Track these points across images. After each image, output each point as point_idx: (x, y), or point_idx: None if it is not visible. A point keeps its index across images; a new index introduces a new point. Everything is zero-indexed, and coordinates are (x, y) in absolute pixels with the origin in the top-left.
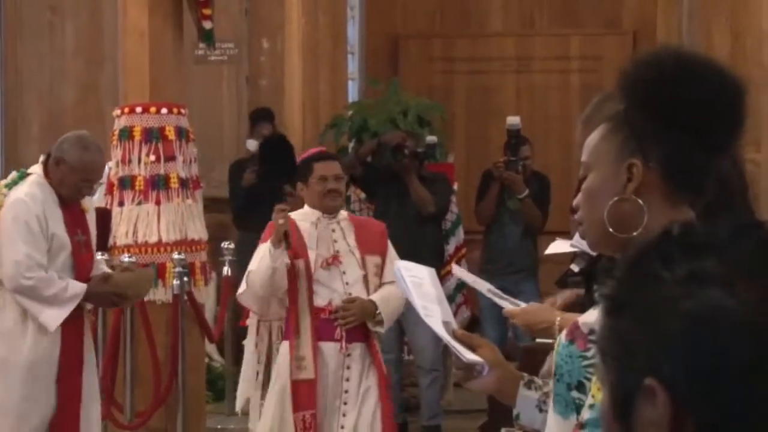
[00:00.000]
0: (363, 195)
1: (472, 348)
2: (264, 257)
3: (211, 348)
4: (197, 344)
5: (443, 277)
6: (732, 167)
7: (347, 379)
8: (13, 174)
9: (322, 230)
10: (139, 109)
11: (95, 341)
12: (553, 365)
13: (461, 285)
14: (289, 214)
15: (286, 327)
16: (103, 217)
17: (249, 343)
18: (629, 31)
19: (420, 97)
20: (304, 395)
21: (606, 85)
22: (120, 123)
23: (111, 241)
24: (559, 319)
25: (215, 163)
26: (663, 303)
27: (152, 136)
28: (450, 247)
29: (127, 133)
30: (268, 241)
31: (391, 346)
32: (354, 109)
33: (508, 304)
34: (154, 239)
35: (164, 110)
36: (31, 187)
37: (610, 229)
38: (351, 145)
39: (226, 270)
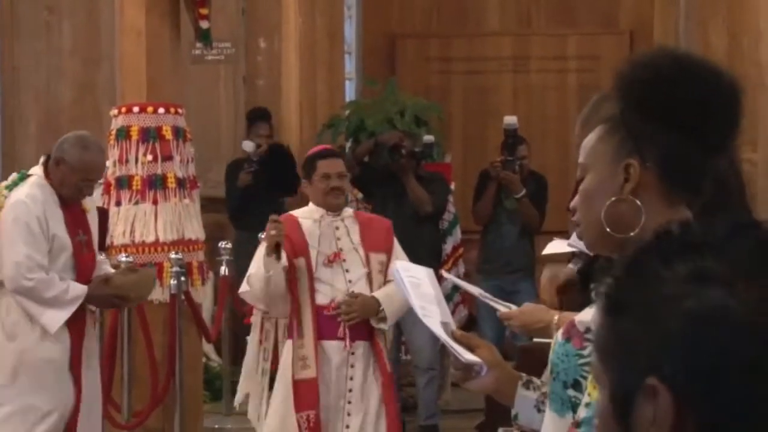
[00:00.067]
0: (360, 195)
1: (471, 348)
2: (260, 263)
3: (208, 348)
4: (194, 344)
5: (440, 276)
6: (729, 167)
7: (351, 378)
8: (14, 175)
9: (326, 228)
10: (136, 109)
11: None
12: (549, 363)
13: None
14: (293, 212)
15: (289, 326)
16: (100, 216)
17: (252, 340)
18: (626, 31)
19: (417, 97)
20: (306, 395)
21: (603, 85)
22: (117, 123)
23: (108, 241)
24: (556, 318)
25: (212, 163)
26: (664, 302)
27: (149, 135)
28: (447, 247)
29: (124, 133)
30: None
31: (389, 346)
32: (351, 108)
33: (501, 307)
34: (151, 239)
35: (161, 110)
36: (32, 188)
37: (608, 230)
38: (348, 145)
39: (224, 270)
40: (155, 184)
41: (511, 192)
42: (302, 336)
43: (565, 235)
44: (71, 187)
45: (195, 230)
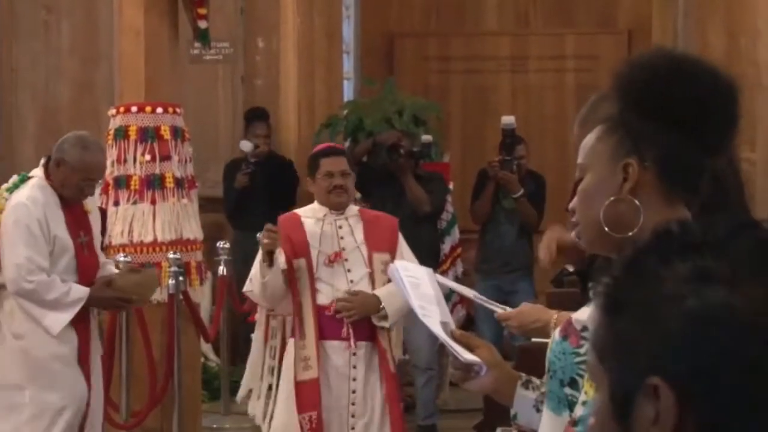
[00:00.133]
0: (358, 195)
1: (470, 348)
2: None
3: (206, 347)
4: (193, 344)
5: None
6: (728, 166)
7: (354, 379)
8: (14, 177)
9: (328, 227)
10: (134, 109)
11: None
12: (546, 362)
13: None
14: (297, 210)
15: (292, 326)
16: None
17: (256, 337)
18: (624, 31)
19: (415, 97)
20: (308, 396)
21: (601, 84)
22: (115, 122)
23: (106, 241)
24: (555, 317)
25: (211, 163)
26: (664, 302)
27: (147, 135)
28: (445, 247)
29: (122, 133)
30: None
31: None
32: (349, 108)
33: (497, 308)
34: (149, 239)
35: (159, 110)
36: (33, 190)
37: (606, 229)
38: (346, 144)
39: (222, 269)
40: (153, 183)
41: (509, 191)
42: (304, 336)
43: None
44: (73, 187)
45: (193, 230)
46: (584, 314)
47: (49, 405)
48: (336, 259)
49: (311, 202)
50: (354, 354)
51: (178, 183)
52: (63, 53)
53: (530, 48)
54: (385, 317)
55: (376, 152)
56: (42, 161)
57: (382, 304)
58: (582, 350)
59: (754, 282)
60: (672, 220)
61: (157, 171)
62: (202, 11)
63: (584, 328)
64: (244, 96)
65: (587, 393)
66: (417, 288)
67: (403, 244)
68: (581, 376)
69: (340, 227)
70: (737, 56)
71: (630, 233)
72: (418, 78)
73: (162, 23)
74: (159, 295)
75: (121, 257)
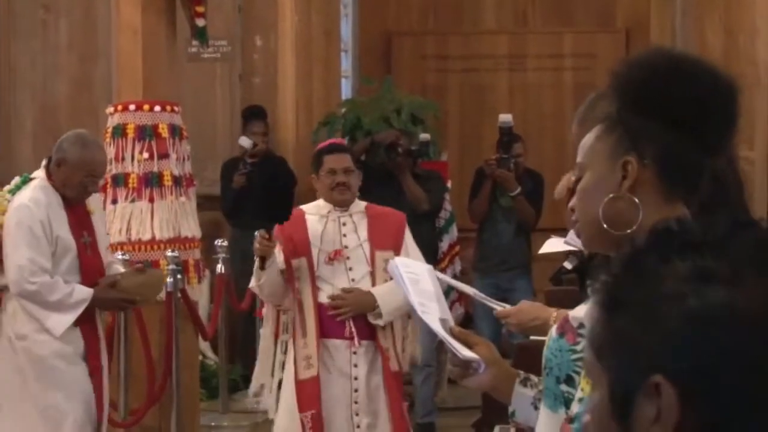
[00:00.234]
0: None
1: (469, 345)
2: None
3: (204, 346)
4: (191, 342)
5: None
6: (727, 165)
7: (356, 378)
8: (16, 179)
9: (331, 224)
10: (132, 107)
11: None
12: (543, 359)
13: None
14: (303, 206)
15: (292, 324)
16: None
17: (265, 333)
18: (622, 29)
19: (413, 95)
20: (309, 394)
21: (599, 83)
22: (113, 120)
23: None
24: (554, 314)
25: (208, 161)
26: (665, 301)
27: (145, 133)
28: (444, 245)
29: (120, 131)
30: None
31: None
32: (347, 107)
33: (497, 306)
34: (147, 237)
35: (157, 108)
36: (35, 192)
37: (605, 226)
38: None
39: (220, 267)
40: (151, 182)
41: (507, 190)
42: (305, 335)
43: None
44: (76, 185)
45: (191, 228)
46: (581, 311)
47: (54, 405)
48: (336, 257)
49: (311, 198)
50: (355, 353)
51: (176, 181)
52: (61, 51)
53: (528, 46)
54: (380, 315)
55: (374, 151)
56: (43, 163)
57: (377, 302)
58: (578, 347)
59: (755, 282)
60: (671, 219)
61: (155, 169)
62: (200, 9)
63: (581, 326)
64: (242, 94)
65: (584, 390)
66: (416, 284)
67: (409, 241)
68: (578, 374)
69: (344, 224)
70: (735, 55)
71: (629, 230)
72: (416, 77)
73: (160, 21)
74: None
75: (119, 255)
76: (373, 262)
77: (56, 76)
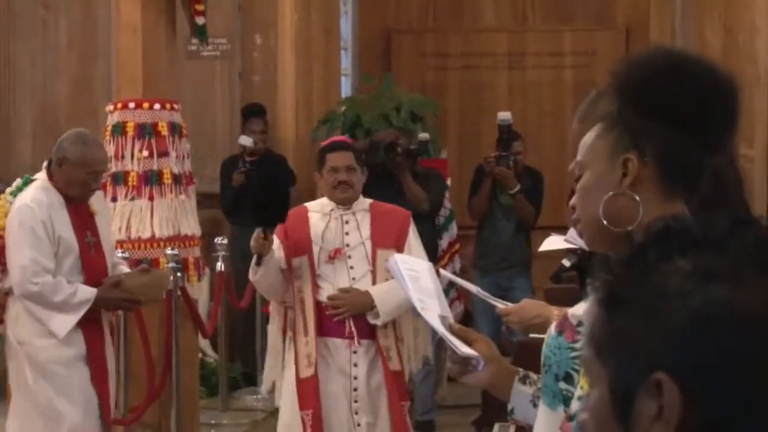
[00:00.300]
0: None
1: (468, 342)
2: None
3: (204, 343)
4: (191, 340)
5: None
6: (728, 164)
7: (355, 377)
8: (18, 181)
9: (334, 222)
10: (132, 105)
11: None
12: (542, 357)
13: None
14: (307, 204)
15: (293, 323)
16: None
17: (272, 329)
18: (622, 27)
19: (413, 93)
20: (310, 392)
21: (599, 81)
22: (113, 118)
23: None
24: (556, 313)
25: (208, 159)
26: (667, 298)
27: (145, 131)
28: (443, 243)
29: (120, 129)
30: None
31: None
32: (347, 104)
33: (499, 304)
34: (147, 235)
35: (157, 106)
36: (36, 192)
37: (605, 223)
38: None
39: (220, 265)
40: (151, 180)
41: (506, 187)
42: (307, 333)
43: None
44: (78, 183)
45: (191, 226)
46: (580, 309)
47: (53, 409)
48: (336, 255)
49: (310, 196)
50: (355, 352)
51: (176, 179)
52: (61, 50)
53: (528, 44)
54: (378, 315)
55: (373, 151)
56: (44, 164)
57: (375, 302)
58: (577, 345)
59: (755, 281)
60: (670, 217)
61: (155, 167)
62: (200, 7)
63: (580, 323)
64: (242, 92)
65: (583, 388)
66: (416, 281)
67: (413, 240)
68: (576, 371)
69: (347, 222)
70: (735, 53)
71: (629, 228)
72: (416, 74)
73: (159, 19)
74: None
75: (119, 253)
76: (374, 260)
77: (56, 75)
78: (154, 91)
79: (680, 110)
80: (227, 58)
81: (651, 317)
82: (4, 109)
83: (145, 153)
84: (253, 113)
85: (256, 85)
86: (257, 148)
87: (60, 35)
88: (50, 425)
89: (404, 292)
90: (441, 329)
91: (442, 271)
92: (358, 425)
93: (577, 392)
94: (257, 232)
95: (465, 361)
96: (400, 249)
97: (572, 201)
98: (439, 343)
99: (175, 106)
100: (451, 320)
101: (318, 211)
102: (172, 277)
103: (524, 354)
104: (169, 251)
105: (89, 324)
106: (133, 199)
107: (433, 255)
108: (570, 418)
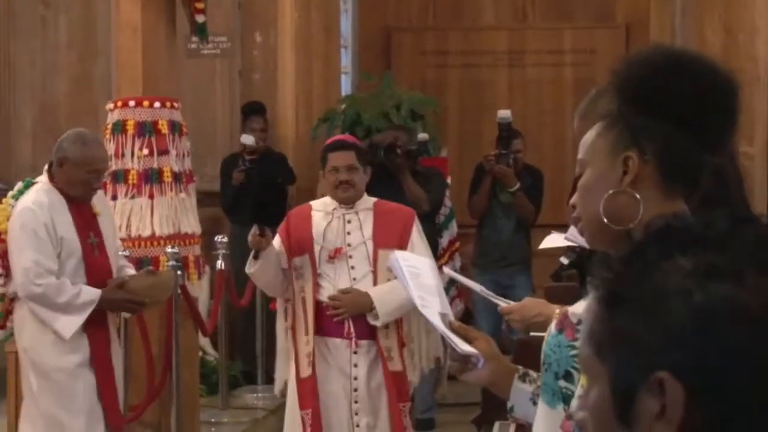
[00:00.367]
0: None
1: (468, 340)
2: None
3: (204, 342)
4: (191, 338)
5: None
6: (729, 162)
7: (356, 378)
8: (19, 184)
9: (336, 221)
10: (132, 103)
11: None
12: (542, 355)
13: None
14: (312, 202)
15: (292, 322)
16: None
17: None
18: (622, 25)
19: (413, 91)
20: (309, 392)
21: (599, 78)
22: (113, 117)
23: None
24: (557, 311)
25: (208, 157)
26: (670, 297)
27: (145, 129)
28: (443, 241)
29: (120, 127)
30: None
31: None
32: (347, 103)
33: (500, 302)
34: (147, 233)
35: (157, 104)
36: (38, 195)
37: (606, 221)
38: None
39: (220, 264)
40: (151, 178)
41: (506, 185)
42: (307, 333)
43: (562, 229)
44: (80, 183)
45: (191, 224)
46: (581, 307)
47: (55, 417)
48: (336, 255)
49: (310, 195)
50: (355, 352)
51: (176, 177)
52: (61, 49)
53: (528, 42)
54: (377, 316)
55: (372, 152)
56: (45, 167)
57: (374, 303)
58: (578, 343)
59: (757, 279)
60: (670, 215)
61: (155, 165)
62: (200, 5)
63: (580, 322)
64: (242, 90)
65: (583, 386)
66: (417, 278)
67: (416, 239)
68: (576, 370)
69: (349, 221)
70: (735, 52)
71: (630, 225)
72: (416, 72)
73: (159, 18)
74: None
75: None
76: (375, 261)
77: (56, 74)
78: (154, 89)
79: (680, 108)
80: (227, 56)
81: (652, 316)
82: (3, 108)
83: (146, 151)
84: (253, 111)
85: (256, 83)
86: (257, 147)
87: (60, 34)
88: None
89: (406, 293)
90: (441, 326)
91: (445, 269)
92: (357, 426)
93: (578, 391)
94: (253, 230)
95: (465, 359)
96: (402, 249)
97: (573, 199)
98: (440, 341)
99: (175, 105)
100: (452, 318)
101: (321, 210)
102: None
103: (524, 352)
104: (169, 249)
105: (95, 327)
106: (133, 197)
107: (434, 253)
108: (570, 416)
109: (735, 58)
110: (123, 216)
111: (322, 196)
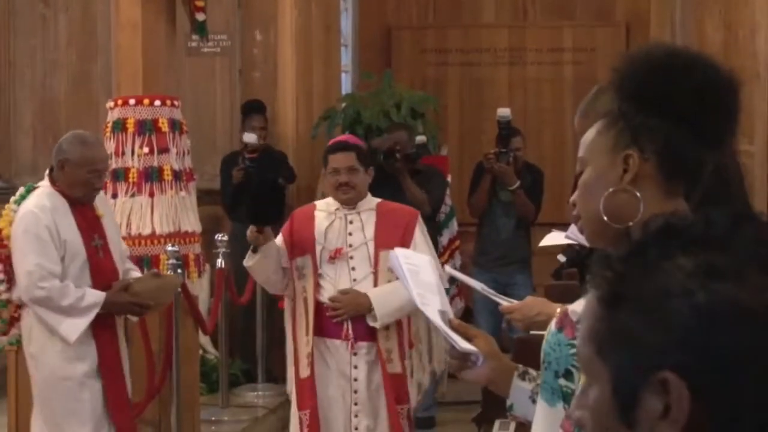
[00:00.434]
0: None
1: (468, 338)
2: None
3: (204, 340)
4: (191, 336)
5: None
6: (729, 160)
7: (355, 379)
8: (21, 189)
9: (338, 222)
10: (132, 101)
11: None
12: (542, 353)
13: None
14: (317, 202)
15: (292, 323)
16: None
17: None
18: (622, 23)
19: (413, 90)
20: (308, 393)
21: (599, 76)
22: (113, 115)
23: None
24: (559, 310)
25: (208, 156)
26: (672, 296)
27: (145, 128)
28: (444, 240)
29: (120, 125)
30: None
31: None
32: (347, 101)
33: (502, 301)
34: (147, 231)
35: (157, 102)
36: (39, 198)
37: (605, 219)
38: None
39: (220, 262)
40: (151, 176)
41: (505, 184)
42: (308, 333)
43: (563, 227)
44: (81, 184)
45: (191, 223)
46: (580, 306)
47: (60, 427)
48: (336, 255)
49: (310, 193)
50: (355, 354)
51: (176, 175)
52: (60, 47)
53: (528, 40)
54: (376, 318)
55: (372, 157)
56: (46, 172)
57: (372, 304)
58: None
59: (759, 278)
60: (668, 214)
61: (155, 164)
62: (200, 3)
63: (580, 320)
64: (242, 89)
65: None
66: (417, 276)
67: (419, 240)
68: (576, 368)
69: (351, 222)
70: (735, 49)
71: (630, 223)
72: (416, 71)
73: (159, 16)
74: None
75: None
76: (376, 262)
77: (56, 72)
78: (154, 87)
79: (680, 107)
80: (227, 55)
81: (654, 315)
82: (4, 106)
83: (146, 150)
84: (253, 109)
85: (256, 82)
86: (257, 145)
87: (60, 32)
88: None
89: (406, 294)
90: (440, 324)
91: (448, 267)
92: (356, 428)
93: (578, 389)
94: (251, 228)
95: (464, 357)
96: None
97: (573, 197)
98: None
99: (176, 103)
100: (451, 315)
101: (324, 210)
102: (171, 273)
103: (524, 350)
104: (169, 248)
105: (104, 333)
106: (133, 195)
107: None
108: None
109: (735, 55)
110: (123, 214)
111: (323, 194)
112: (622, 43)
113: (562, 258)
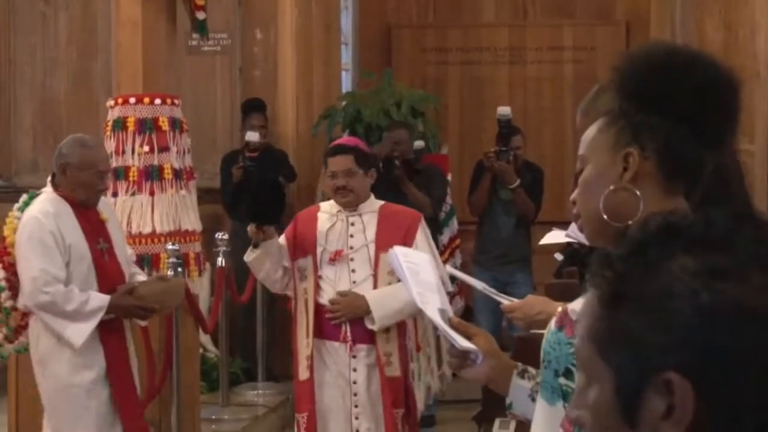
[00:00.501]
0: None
1: (467, 336)
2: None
3: (205, 339)
4: (191, 335)
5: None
6: (730, 159)
7: (355, 382)
8: (24, 196)
9: (340, 224)
10: (132, 100)
11: None
12: (541, 352)
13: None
14: (320, 203)
15: (293, 324)
16: None
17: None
18: (622, 22)
19: (413, 88)
20: (306, 395)
21: (599, 75)
22: (113, 114)
23: None
24: (560, 309)
25: (209, 154)
26: (675, 296)
27: (146, 126)
28: (444, 238)
29: (120, 124)
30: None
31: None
32: (347, 100)
33: (503, 300)
34: (147, 230)
35: (158, 101)
36: (43, 204)
37: (605, 217)
38: (344, 135)
39: (220, 260)
40: (152, 175)
41: (505, 182)
42: (308, 335)
43: (563, 225)
44: (84, 186)
45: (192, 221)
46: (580, 304)
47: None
48: (337, 257)
49: (310, 192)
50: (354, 356)
51: (177, 174)
52: (60, 46)
53: (528, 39)
54: (374, 320)
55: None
56: (48, 179)
57: (370, 307)
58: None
59: (761, 278)
60: (667, 213)
61: (156, 162)
62: (200, 2)
63: None
64: (242, 87)
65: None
66: (416, 275)
67: (420, 242)
68: (576, 367)
69: (352, 224)
70: (735, 48)
71: (630, 222)
72: (416, 69)
73: (159, 15)
74: None
75: None
76: (376, 264)
77: (56, 71)
78: (155, 86)
79: (681, 105)
80: (227, 53)
81: (655, 315)
82: (4, 104)
83: (146, 148)
84: (253, 108)
85: (256, 80)
86: (257, 144)
87: (60, 30)
88: None
89: (405, 296)
90: (440, 323)
91: (449, 267)
92: (357, 431)
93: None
94: (251, 226)
95: (464, 355)
96: None
97: (573, 195)
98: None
99: (176, 101)
100: (451, 314)
101: (327, 212)
102: (172, 272)
103: (523, 349)
104: (169, 246)
105: (111, 336)
106: (133, 194)
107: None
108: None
109: (735, 55)
110: (124, 213)
111: (323, 193)
112: (622, 42)
113: (559, 257)
